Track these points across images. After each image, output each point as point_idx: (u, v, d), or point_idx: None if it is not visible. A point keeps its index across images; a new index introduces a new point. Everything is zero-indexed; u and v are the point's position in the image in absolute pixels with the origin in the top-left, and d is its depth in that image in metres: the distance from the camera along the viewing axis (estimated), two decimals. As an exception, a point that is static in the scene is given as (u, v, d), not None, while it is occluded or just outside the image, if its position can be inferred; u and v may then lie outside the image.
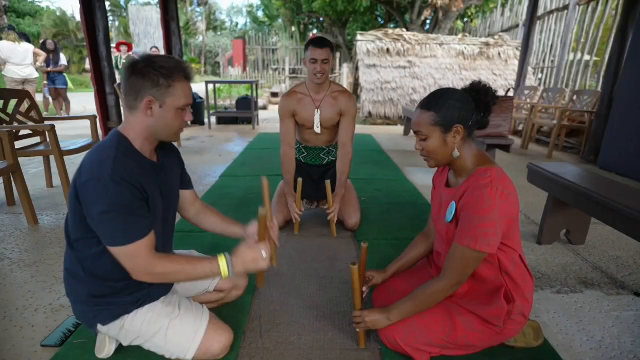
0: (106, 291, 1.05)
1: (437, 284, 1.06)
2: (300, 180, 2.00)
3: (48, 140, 2.53)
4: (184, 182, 1.26)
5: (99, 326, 1.07)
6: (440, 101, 1.04)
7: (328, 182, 2.00)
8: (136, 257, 0.95)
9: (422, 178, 3.39)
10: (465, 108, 1.03)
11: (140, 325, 1.07)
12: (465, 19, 13.48)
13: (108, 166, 0.91)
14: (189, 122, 1.07)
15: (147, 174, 1.01)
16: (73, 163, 3.59)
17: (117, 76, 5.64)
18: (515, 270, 1.07)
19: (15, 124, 2.60)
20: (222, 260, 1.03)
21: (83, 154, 3.66)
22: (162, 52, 6.54)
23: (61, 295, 1.55)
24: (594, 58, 6.62)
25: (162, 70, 0.95)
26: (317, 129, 2.11)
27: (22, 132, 2.58)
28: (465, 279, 1.04)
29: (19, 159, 2.27)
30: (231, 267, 1.04)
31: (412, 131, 1.09)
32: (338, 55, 13.87)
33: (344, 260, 1.90)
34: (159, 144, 1.09)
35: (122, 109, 4.23)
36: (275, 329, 1.38)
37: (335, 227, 2.16)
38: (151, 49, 7.15)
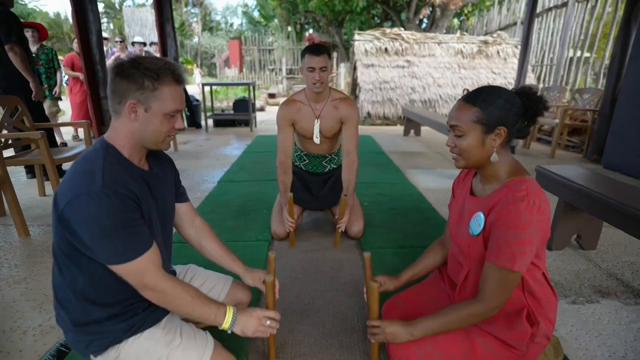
0: (99, 317, 0.95)
1: (475, 307, 0.96)
2: (291, 195, 1.92)
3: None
4: (179, 194, 1.18)
5: (92, 357, 0.99)
6: (489, 98, 0.93)
7: (345, 198, 1.94)
8: (145, 272, 0.88)
9: (425, 180, 3.32)
10: (514, 111, 0.93)
11: (137, 354, 0.97)
12: (462, 17, 13.44)
13: (98, 178, 0.82)
14: (179, 129, 0.98)
15: (139, 183, 0.93)
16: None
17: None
18: (539, 290, 1.00)
19: (5, 132, 2.50)
20: (229, 313, 0.97)
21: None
22: (154, 51, 6.44)
23: (52, 315, 1.46)
24: (593, 55, 6.57)
25: (148, 72, 0.87)
26: (317, 139, 2.03)
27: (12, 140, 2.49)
28: (504, 302, 0.94)
29: (10, 167, 2.18)
30: (235, 324, 0.98)
31: (447, 124, 1.00)
32: (335, 55, 13.81)
33: (349, 272, 1.83)
34: (149, 151, 1.01)
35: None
36: (279, 349, 1.30)
37: (339, 238, 2.09)
38: (150, 44, 6.99)
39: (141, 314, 0.99)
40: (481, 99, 0.94)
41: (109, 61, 5.88)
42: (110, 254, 0.85)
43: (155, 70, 0.88)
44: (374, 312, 1.09)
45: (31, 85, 3.05)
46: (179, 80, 0.93)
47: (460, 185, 1.18)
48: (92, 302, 0.94)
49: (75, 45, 4.92)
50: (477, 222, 0.98)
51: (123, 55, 5.60)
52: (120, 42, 5.60)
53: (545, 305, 1.01)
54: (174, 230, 1.21)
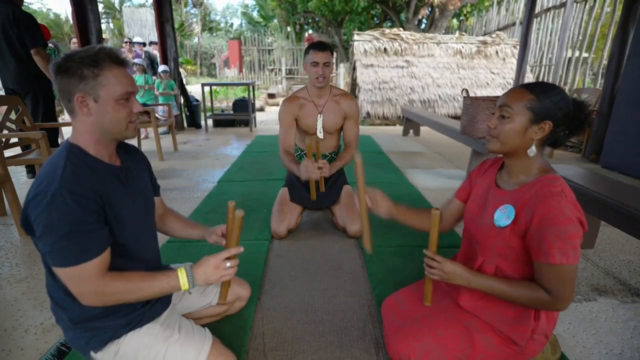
0: (97, 313, 0.96)
1: (545, 296, 0.92)
2: (314, 139, 1.85)
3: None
4: (153, 188, 1.16)
5: (92, 353, 0.99)
6: (549, 91, 0.94)
7: (314, 138, 1.95)
8: (83, 279, 0.84)
9: (424, 180, 3.33)
10: (564, 112, 0.94)
11: (136, 349, 0.99)
12: (461, 17, 13.45)
13: (56, 179, 0.81)
14: (138, 112, 0.94)
15: (109, 179, 0.92)
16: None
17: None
18: None
19: (5, 132, 2.51)
20: (181, 273, 0.93)
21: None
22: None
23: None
24: (592, 55, 6.59)
25: (84, 61, 0.84)
26: (320, 134, 2.06)
27: (14, 140, 2.50)
28: (572, 295, 0.93)
29: (10, 167, 2.19)
30: (192, 279, 0.93)
31: (497, 105, 0.99)
32: (335, 55, 13.82)
33: (349, 271, 1.84)
34: (119, 145, 1.00)
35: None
36: (279, 347, 1.31)
37: (314, 189, 1.91)
38: (150, 44, 6.98)
39: (140, 309, 1.01)
40: (540, 89, 0.95)
41: (136, 60, 5.89)
42: (51, 256, 0.83)
43: (91, 57, 0.85)
44: (434, 245, 1.01)
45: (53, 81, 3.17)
46: (119, 61, 0.89)
47: (481, 175, 1.16)
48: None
49: (72, 46, 4.92)
50: (506, 214, 0.97)
51: (130, 56, 5.63)
52: (130, 43, 5.63)
53: None
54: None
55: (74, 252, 0.82)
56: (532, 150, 0.97)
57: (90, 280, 0.85)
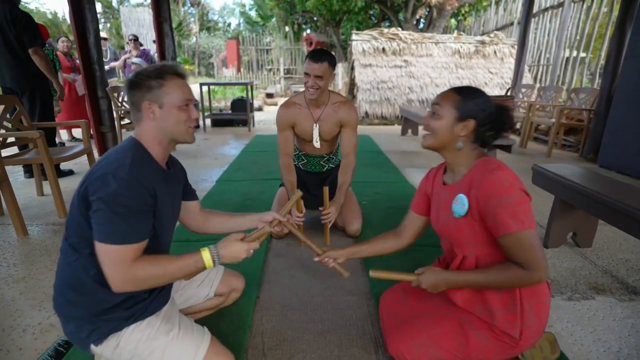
0: (113, 300, 0.97)
1: (520, 271, 0.96)
2: (299, 193, 1.91)
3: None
4: (189, 192, 1.26)
5: (92, 347, 0.99)
6: (471, 92, 1.06)
7: (326, 189, 1.90)
8: (121, 261, 0.89)
9: (423, 180, 3.33)
10: (486, 113, 1.05)
11: (137, 342, 0.99)
12: (459, 17, 13.47)
13: (125, 166, 0.91)
14: (195, 119, 1.06)
15: (159, 179, 1.01)
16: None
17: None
18: None
19: (2, 131, 2.50)
20: (205, 253, 1.00)
21: (76, 161, 3.59)
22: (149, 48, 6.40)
23: (51, 314, 1.47)
24: (589, 55, 6.61)
25: (151, 74, 0.98)
26: (317, 144, 2.03)
27: (11, 139, 2.48)
28: (546, 261, 0.97)
29: (8, 166, 2.18)
30: (217, 256, 1.01)
31: (431, 103, 1.13)
32: (333, 55, 13.80)
33: (347, 269, 1.83)
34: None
35: (114, 113, 4.13)
36: (279, 346, 1.31)
37: (329, 234, 2.01)
38: (154, 41, 6.93)
39: (141, 303, 1.02)
40: (466, 91, 1.06)
41: (120, 62, 5.86)
42: (102, 230, 0.88)
43: (157, 71, 0.99)
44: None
45: (55, 86, 3.32)
46: (180, 74, 1.03)
47: (431, 182, 1.24)
48: (106, 286, 0.93)
49: (60, 44, 4.89)
50: (460, 203, 1.04)
51: (135, 53, 5.59)
52: (135, 40, 5.60)
53: (536, 289, 1.04)
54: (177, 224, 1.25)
55: (123, 231, 0.88)
56: (459, 145, 1.06)
57: (126, 263, 0.90)
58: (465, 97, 1.05)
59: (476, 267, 1.08)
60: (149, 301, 1.03)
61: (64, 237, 1.00)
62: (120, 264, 0.89)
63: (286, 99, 2.35)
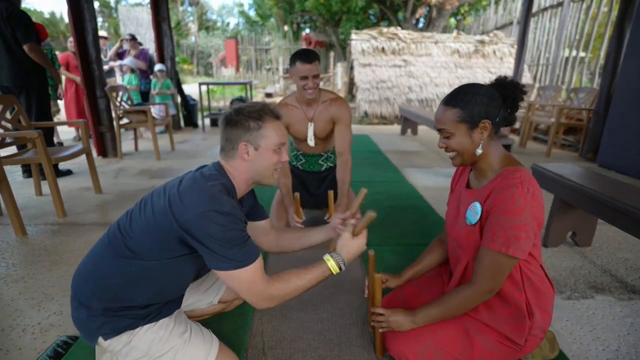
0: (131, 301, 0.98)
1: (468, 291, 0.99)
2: (297, 195, 1.91)
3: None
4: (258, 212, 1.27)
5: (100, 339, 0.99)
6: (465, 97, 0.98)
7: (331, 193, 1.89)
8: (253, 282, 0.95)
9: (422, 179, 3.33)
10: (493, 104, 0.98)
11: (150, 342, 1.00)
12: (458, 17, 13.48)
13: (224, 201, 0.94)
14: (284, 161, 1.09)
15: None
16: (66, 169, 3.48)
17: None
18: (538, 281, 1.01)
19: (1, 131, 2.49)
20: (329, 261, 1.04)
21: (74, 161, 3.58)
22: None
23: (51, 314, 1.47)
24: (589, 55, 6.62)
25: (251, 115, 1.01)
26: (311, 142, 2.03)
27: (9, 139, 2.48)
28: (498, 286, 0.97)
29: (6, 166, 2.17)
30: (342, 262, 1.05)
31: (436, 129, 1.06)
32: (332, 54, 13.80)
33: (348, 269, 1.82)
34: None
35: (112, 112, 4.11)
36: (278, 345, 1.31)
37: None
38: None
39: (157, 304, 1.03)
40: (459, 99, 0.99)
41: (112, 51, 5.82)
42: (230, 261, 0.92)
43: (257, 112, 1.02)
44: (378, 301, 1.13)
45: (53, 75, 3.42)
46: (278, 116, 1.06)
47: (457, 180, 1.21)
48: (139, 288, 0.98)
49: (69, 44, 4.87)
50: (474, 211, 1.01)
51: (133, 52, 5.56)
52: (132, 40, 5.56)
53: (543, 297, 1.02)
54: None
55: (243, 257, 0.93)
56: (478, 150, 1.00)
57: (258, 284, 0.96)
58: (463, 105, 0.98)
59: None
60: (163, 303, 1.04)
61: (118, 236, 0.98)
62: (253, 285, 0.95)
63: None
